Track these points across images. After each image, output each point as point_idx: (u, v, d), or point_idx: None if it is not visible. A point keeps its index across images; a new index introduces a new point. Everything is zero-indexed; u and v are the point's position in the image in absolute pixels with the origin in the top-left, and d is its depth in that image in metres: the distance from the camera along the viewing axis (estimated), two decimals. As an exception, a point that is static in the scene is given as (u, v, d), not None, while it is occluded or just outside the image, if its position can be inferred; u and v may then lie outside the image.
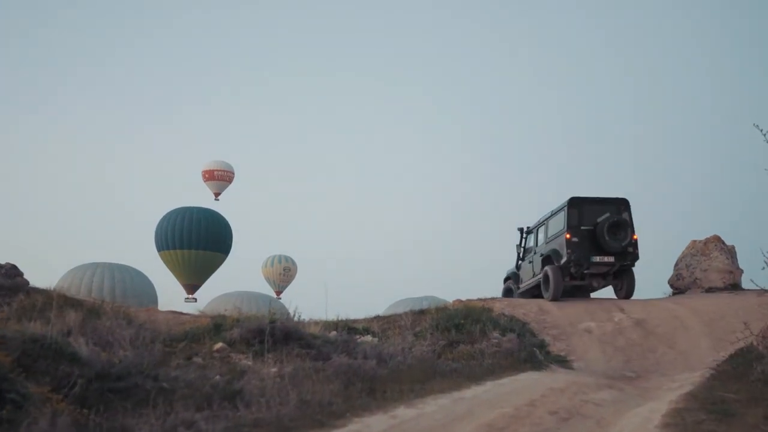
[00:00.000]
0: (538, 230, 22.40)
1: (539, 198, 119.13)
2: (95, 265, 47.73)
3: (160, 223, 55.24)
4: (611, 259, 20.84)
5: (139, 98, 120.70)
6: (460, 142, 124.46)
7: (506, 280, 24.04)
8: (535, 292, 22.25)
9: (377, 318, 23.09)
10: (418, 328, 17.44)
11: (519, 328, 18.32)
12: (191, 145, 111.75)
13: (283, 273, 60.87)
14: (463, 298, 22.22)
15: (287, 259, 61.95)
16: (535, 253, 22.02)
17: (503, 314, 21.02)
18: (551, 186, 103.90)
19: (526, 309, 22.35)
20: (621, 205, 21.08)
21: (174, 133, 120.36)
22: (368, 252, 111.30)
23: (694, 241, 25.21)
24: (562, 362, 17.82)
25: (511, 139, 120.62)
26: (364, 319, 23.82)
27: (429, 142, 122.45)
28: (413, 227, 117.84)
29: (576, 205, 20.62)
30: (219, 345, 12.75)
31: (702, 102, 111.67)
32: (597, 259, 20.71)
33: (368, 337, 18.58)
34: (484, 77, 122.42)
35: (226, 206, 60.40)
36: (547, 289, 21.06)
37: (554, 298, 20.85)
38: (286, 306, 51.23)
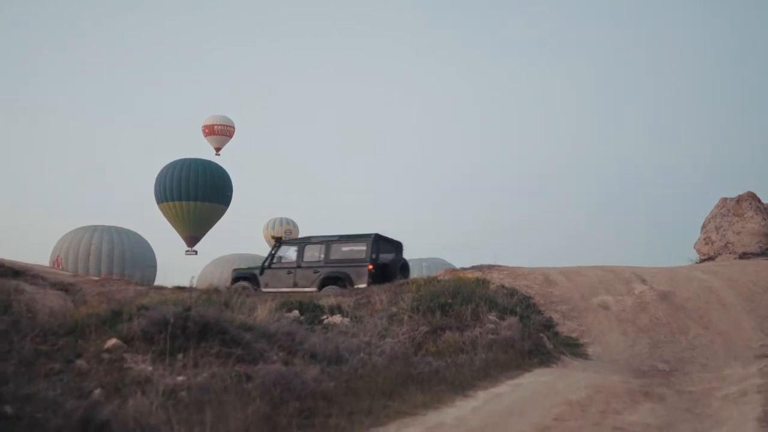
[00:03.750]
0: (306, 246, 23.97)
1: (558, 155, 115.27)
2: (94, 228, 47.13)
3: (159, 175, 54.09)
4: None
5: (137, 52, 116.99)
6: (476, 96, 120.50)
7: (239, 279, 24.64)
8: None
9: (356, 291, 19.82)
10: (394, 309, 13.89)
11: (522, 307, 14.84)
12: (192, 100, 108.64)
13: (285, 235, 58.24)
14: (468, 264, 21.11)
15: (288, 221, 61.64)
16: (300, 267, 23.50)
17: (503, 287, 17.71)
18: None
19: (529, 280, 19.03)
20: (401, 247, 24.10)
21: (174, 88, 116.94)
22: (372, 210, 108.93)
23: (725, 199, 21.78)
24: (575, 348, 14.51)
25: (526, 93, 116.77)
26: (351, 290, 20.73)
27: (441, 93, 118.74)
28: (424, 183, 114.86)
29: (377, 242, 22.86)
30: (112, 342, 9.19)
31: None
32: None
33: (337, 318, 15.23)
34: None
35: (227, 162, 58.86)
36: None
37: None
38: None
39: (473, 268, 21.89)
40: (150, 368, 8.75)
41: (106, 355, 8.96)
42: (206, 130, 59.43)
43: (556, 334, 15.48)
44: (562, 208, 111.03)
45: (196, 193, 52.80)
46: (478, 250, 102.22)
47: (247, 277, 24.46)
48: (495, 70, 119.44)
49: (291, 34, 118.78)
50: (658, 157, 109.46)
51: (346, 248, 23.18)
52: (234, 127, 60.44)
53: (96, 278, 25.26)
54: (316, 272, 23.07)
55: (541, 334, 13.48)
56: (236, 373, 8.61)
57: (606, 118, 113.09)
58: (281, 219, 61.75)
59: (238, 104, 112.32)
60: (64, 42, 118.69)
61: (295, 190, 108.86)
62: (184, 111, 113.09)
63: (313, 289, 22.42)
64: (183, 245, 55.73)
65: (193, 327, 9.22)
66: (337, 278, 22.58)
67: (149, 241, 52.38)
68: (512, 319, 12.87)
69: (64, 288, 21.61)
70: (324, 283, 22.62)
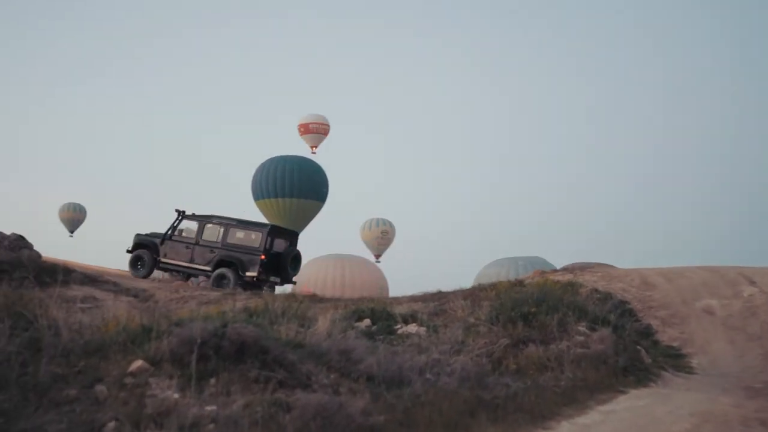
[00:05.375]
0: (207, 224, 24.33)
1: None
2: None
3: (256, 172, 54.40)
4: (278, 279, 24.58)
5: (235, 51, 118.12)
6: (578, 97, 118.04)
7: (140, 245, 24.93)
8: (181, 271, 24.90)
9: (438, 295, 18.48)
10: (472, 319, 12.48)
11: (616, 314, 13.29)
12: (289, 99, 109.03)
13: (381, 236, 59.31)
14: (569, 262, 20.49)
15: (385, 222, 60.25)
16: (199, 244, 24.05)
17: (596, 291, 16.16)
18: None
19: (625, 282, 17.48)
20: (295, 238, 25.45)
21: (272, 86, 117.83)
22: (471, 209, 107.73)
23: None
24: (677, 359, 12.96)
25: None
26: (422, 295, 19.43)
27: (543, 96, 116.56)
28: (522, 180, 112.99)
29: (271, 233, 23.89)
30: (137, 364, 8.06)
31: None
32: (273, 278, 24.28)
33: (412, 327, 13.94)
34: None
35: (323, 160, 58.70)
36: (225, 286, 23.02)
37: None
38: (382, 271, 49.93)
39: (564, 269, 20.42)
40: (176, 396, 7.56)
41: (129, 380, 7.80)
42: (302, 129, 59.37)
43: (656, 343, 13.99)
44: (662, 204, 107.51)
45: (293, 190, 52.66)
46: (578, 248, 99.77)
47: (147, 245, 24.77)
48: (593, 68, 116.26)
49: (388, 33, 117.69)
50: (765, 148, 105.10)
51: (242, 234, 24.02)
52: (329, 125, 60.22)
53: (171, 283, 24.52)
54: (212, 252, 23.80)
55: (638, 347, 11.93)
56: (274, 402, 7.37)
57: (710, 112, 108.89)
58: (378, 220, 60.23)
59: (336, 102, 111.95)
60: (164, 46, 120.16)
61: (392, 191, 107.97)
62: (281, 109, 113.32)
63: (208, 268, 23.65)
64: None
65: (229, 346, 8.01)
66: (230, 263, 23.41)
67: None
68: (604, 331, 11.34)
69: (136, 294, 20.92)
70: (218, 264, 23.50)
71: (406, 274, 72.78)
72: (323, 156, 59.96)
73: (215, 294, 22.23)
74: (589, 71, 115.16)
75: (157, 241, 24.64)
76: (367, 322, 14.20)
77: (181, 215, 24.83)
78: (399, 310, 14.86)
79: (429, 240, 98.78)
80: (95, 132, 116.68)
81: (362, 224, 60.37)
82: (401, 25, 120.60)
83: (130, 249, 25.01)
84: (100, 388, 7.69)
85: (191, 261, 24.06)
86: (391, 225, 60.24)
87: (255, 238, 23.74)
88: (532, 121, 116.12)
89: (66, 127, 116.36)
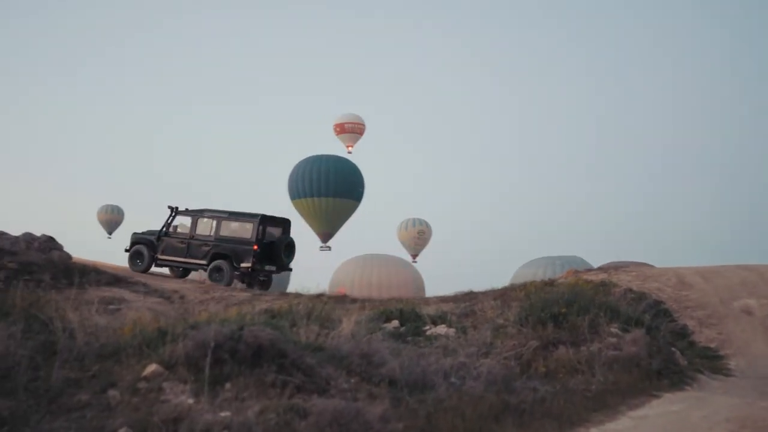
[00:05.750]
0: (200, 219, 24.70)
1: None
2: None
3: (292, 172, 54.49)
4: (274, 267, 24.82)
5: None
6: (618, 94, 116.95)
7: (137, 243, 25.27)
8: (178, 267, 25.32)
9: (470, 295, 18.17)
10: (501, 320, 12.15)
11: (650, 314, 12.89)
12: (325, 99, 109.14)
13: (418, 236, 58.98)
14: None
15: (421, 222, 59.97)
16: (193, 239, 24.45)
17: (630, 290, 15.75)
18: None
19: (660, 282, 17.01)
20: (288, 225, 25.38)
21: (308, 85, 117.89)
22: (509, 208, 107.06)
23: None
24: (714, 361, 12.53)
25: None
26: (453, 296, 19.13)
27: (580, 95, 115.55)
28: (561, 180, 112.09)
29: (263, 222, 24.01)
30: (151, 369, 7.84)
31: None
32: (268, 267, 24.54)
33: (441, 328, 13.65)
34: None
35: (359, 159, 58.64)
36: (221, 279, 23.66)
37: (228, 286, 23.42)
38: (420, 271, 49.66)
39: (599, 269, 19.99)
40: (190, 401, 7.34)
41: (142, 385, 7.59)
42: (338, 129, 59.56)
43: (692, 344, 13.57)
44: (702, 203, 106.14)
45: (329, 189, 52.53)
46: (617, 248, 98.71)
47: (144, 242, 25.09)
48: (627, 63, 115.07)
49: (424, 32, 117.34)
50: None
51: (234, 226, 24.41)
52: (364, 125, 60.24)
53: (202, 284, 24.42)
54: (206, 245, 24.17)
55: (673, 349, 11.52)
56: (290, 408, 7.11)
57: (751, 106, 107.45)
58: (414, 220, 60.02)
59: (373, 102, 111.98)
60: (201, 46, 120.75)
61: (429, 190, 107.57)
62: (316, 109, 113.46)
63: (203, 262, 24.02)
64: (315, 242, 55.74)
65: (245, 350, 7.76)
66: (225, 255, 23.82)
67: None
68: (637, 332, 10.94)
69: (166, 295, 20.79)
70: (213, 257, 23.87)
71: (443, 275, 72.47)
72: (359, 155, 59.93)
73: (245, 295, 22.08)
74: (623, 66, 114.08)
75: (153, 239, 25.05)
76: (395, 323, 13.94)
77: (174, 211, 25.15)
78: (428, 310, 14.58)
79: (466, 240, 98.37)
80: (135, 133, 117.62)
81: (399, 224, 60.30)
82: (439, 25, 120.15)
83: (128, 248, 25.39)
84: (113, 393, 7.50)
85: (187, 255, 24.54)
86: (427, 225, 59.96)
87: (247, 229, 24.11)
88: (572, 119, 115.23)
89: (107, 128, 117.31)
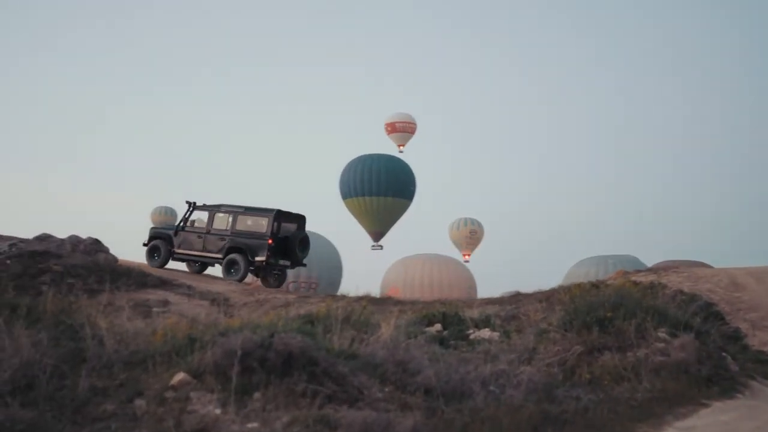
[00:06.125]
0: (216, 213, 25.17)
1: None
2: None
3: (344, 171, 55.27)
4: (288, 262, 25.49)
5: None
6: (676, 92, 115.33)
7: (155, 238, 25.79)
8: (195, 260, 25.82)
9: (516, 297, 17.88)
10: (544, 324, 11.81)
11: (701, 317, 12.43)
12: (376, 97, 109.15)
13: (470, 236, 59.26)
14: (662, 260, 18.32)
15: (473, 221, 60.33)
16: (210, 233, 24.99)
17: (681, 292, 15.28)
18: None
19: (712, 283, 16.52)
20: (303, 221, 25.72)
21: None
22: (563, 206, 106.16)
23: None
24: (768, 366, 12.02)
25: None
26: (500, 298, 18.84)
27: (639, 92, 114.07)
28: (614, 178, 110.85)
29: (278, 218, 24.50)
30: (179, 377, 7.66)
31: None
32: (282, 262, 25.24)
33: (485, 332, 13.36)
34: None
35: (410, 157, 59.44)
36: (236, 272, 24.41)
37: (241, 280, 24.45)
38: (471, 271, 49.49)
39: (649, 270, 19.55)
40: (217, 411, 7.15)
41: (169, 394, 7.40)
42: (388, 128, 60.10)
43: (744, 348, 13.14)
44: (759, 202, 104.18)
45: (380, 188, 53.07)
46: (674, 247, 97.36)
47: (162, 236, 25.74)
48: (690, 65, 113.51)
49: (478, 30, 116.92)
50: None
51: (250, 221, 24.91)
52: (415, 124, 60.60)
53: (248, 286, 24.41)
54: (222, 240, 24.71)
55: (724, 354, 11.07)
56: (320, 419, 6.88)
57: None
58: (466, 219, 60.35)
59: (425, 100, 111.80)
60: (257, 46, 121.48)
61: (481, 189, 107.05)
62: (367, 108, 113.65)
63: (219, 256, 24.60)
64: (366, 242, 56.72)
65: (275, 358, 7.53)
66: (240, 249, 24.38)
67: (330, 239, 52.15)
68: (686, 337, 10.50)
69: (211, 298, 20.75)
70: (229, 251, 24.47)
71: (495, 274, 72.18)
72: (410, 154, 60.39)
73: (291, 297, 21.99)
74: (685, 68, 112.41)
75: (171, 232, 25.74)
76: (437, 327, 13.67)
77: (192, 206, 25.67)
78: (473, 313, 14.30)
79: (519, 239, 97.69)
80: (186, 134, 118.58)
81: (451, 224, 60.59)
82: (492, 22, 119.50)
83: (146, 242, 25.96)
84: (139, 403, 7.32)
85: (204, 250, 25.06)
86: (479, 224, 60.22)
87: (262, 224, 24.59)
88: (630, 115, 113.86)
89: (159, 130, 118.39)
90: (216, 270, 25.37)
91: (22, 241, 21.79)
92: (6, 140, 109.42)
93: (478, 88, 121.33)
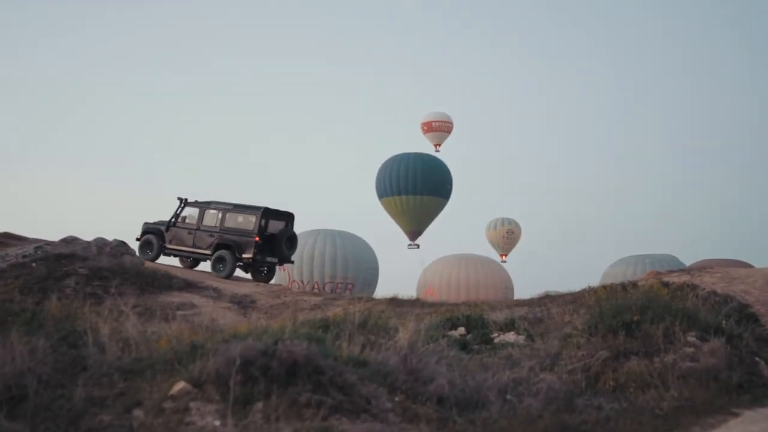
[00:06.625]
0: (207, 210, 25.62)
1: None
2: (317, 232, 46.55)
3: (380, 170, 54.98)
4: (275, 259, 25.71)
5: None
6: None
7: (147, 233, 26.17)
8: (185, 256, 26.13)
9: (545, 299, 17.41)
10: (568, 328, 11.40)
11: (734, 319, 11.94)
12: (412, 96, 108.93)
13: (507, 236, 58.88)
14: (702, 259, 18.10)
15: (510, 221, 59.82)
16: (200, 229, 25.36)
17: (714, 293, 14.75)
18: None
19: (747, 283, 15.92)
20: (291, 219, 25.84)
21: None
22: (601, 205, 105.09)
23: None
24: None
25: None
26: (530, 300, 18.36)
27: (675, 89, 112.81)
28: (656, 177, 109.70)
29: (265, 215, 24.73)
30: (178, 387, 7.37)
31: None
32: (270, 259, 25.39)
33: (510, 336, 12.99)
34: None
35: (447, 156, 59.01)
36: (223, 269, 24.52)
37: (228, 276, 24.35)
38: (508, 271, 49.02)
39: (682, 270, 19.03)
40: (217, 423, 6.87)
41: (168, 404, 7.12)
42: (425, 127, 59.94)
43: (779, 353, 12.50)
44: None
45: (416, 187, 52.73)
46: (713, 246, 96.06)
47: (154, 231, 26.03)
48: (727, 63, 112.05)
49: (516, 29, 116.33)
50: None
51: (238, 218, 25.23)
52: (452, 123, 60.40)
53: (275, 288, 24.18)
54: (211, 236, 25.01)
55: (757, 359, 10.59)
56: (323, 431, 6.56)
57: None
58: (503, 219, 59.75)
59: (462, 100, 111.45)
60: (288, 46, 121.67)
61: (518, 188, 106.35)
62: (403, 108, 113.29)
63: (208, 252, 24.80)
64: (403, 241, 56.41)
65: (278, 366, 7.22)
66: (228, 245, 24.54)
67: (367, 239, 51.95)
68: (716, 342, 10.04)
69: (237, 300, 20.51)
70: (217, 248, 24.65)
71: (533, 274, 71.52)
72: (447, 153, 60.02)
73: (316, 299, 21.68)
74: (723, 66, 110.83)
75: (163, 228, 25.98)
76: (461, 330, 13.33)
77: (183, 203, 26.06)
78: (498, 316, 13.93)
79: (557, 239, 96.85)
80: (211, 136, 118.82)
81: (487, 224, 60.10)
82: (531, 21, 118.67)
83: (138, 237, 26.21)
84: (137, 414, 7.06)
85: (193, 245, 25.44)
86: (516, 224, 59.62)
87: (250, 221, 24.92)
88: (670, 113, 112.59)
89: (187, 132, 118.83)
90: (239, 271, 25.20)
91: (48, 243, 21.62)
92: (28, 143, 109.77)
93: (516, 88, 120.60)
